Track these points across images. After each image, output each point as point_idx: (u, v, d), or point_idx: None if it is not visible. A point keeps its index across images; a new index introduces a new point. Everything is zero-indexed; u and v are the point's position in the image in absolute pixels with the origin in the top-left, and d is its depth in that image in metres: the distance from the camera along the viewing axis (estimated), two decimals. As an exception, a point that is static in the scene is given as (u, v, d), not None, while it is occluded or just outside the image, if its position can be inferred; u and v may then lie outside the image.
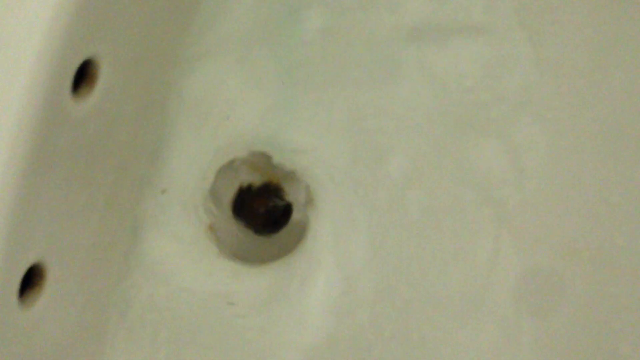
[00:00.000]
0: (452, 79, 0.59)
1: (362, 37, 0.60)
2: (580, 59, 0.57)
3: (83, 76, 0.46)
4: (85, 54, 0.44)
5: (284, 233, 0.64)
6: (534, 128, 0.58)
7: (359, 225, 0.60)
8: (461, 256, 0.59)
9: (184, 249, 0.61)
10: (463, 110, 0.59)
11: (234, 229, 0.63)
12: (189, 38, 0.58)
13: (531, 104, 0.58)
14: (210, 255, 0.62)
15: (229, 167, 0.62)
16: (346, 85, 0.61)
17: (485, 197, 0.59)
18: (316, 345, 0.60)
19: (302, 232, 0.62)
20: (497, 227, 0.58)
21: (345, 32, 0.61)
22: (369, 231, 0.60)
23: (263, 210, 0.64)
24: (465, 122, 0.59)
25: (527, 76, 0.58)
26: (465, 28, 0.59)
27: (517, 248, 0.58)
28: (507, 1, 0.58)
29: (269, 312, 0.60)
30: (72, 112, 0.45)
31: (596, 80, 0.57)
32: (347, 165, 0.61)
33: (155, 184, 0.60)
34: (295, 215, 0.63)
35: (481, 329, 0.59)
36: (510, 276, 0.58)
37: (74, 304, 0.53)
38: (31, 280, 0.48)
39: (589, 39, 0.57)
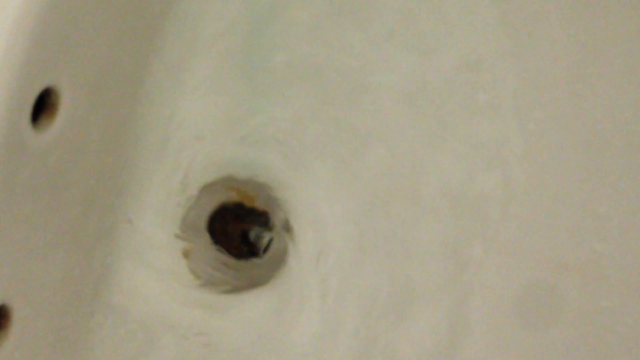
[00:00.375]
0: (423, 97, 0.58)
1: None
2: (561, 71, 0.56)
3: (42, 106, 0.44)
4: (44, 82, 0.42)
5: (262, 258, 0.62)
6: (518, 140, 0.57)
7: (341, 246, 0.59)
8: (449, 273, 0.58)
9: (157, 279, 0.59)
10: (440, 123, 0.58)
11: (211, 255, 0.62)
12: (153, 59, 0.56)
13: (514, 117, 0.57)
14: (186, 285, 0.60)
15: (202, 191, 0.61)
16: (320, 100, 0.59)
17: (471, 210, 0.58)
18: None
19: (280, 257, 0.60)
20: (484, 241, 0.57)
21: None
22: (351, 254, 0.59)
23: (238, 234, 0.62)
24: (445, 133, 0.58)
25: None
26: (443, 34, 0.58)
27: (505, 263, 0.57)
28: (489, 8, 0.57)
29: (247, 353, 0.59)
30: (33, 144, 0.43)
31: (578, 91, 0.56)
32: (324, 181, 0.59)
33: (123, 214, 0.58)
34: (274, 240, 0.62)
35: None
36: (501, 291, 0.57)
37: (45, 343, 0.51)
38: (-5, 324, 0.45)
39: (570, 51, 0.57)
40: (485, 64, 0.57)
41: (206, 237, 0.62)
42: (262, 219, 0.62)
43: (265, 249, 0.62)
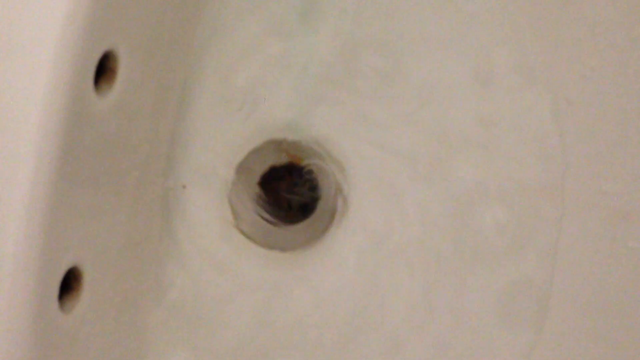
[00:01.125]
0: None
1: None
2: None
3: (102, 70, 0.45)
4: (105, 46, 0.43)
5: (311, 221, 0.63)
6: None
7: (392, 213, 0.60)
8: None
9: (211, 241, 0.60)
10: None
11: (260, 218, 0.63)
12: (202, 24, 0.57)
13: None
14: (237, 246, 0.61)
15: (252, 154, 0.61)
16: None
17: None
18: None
19: (330, 219, 0.61)
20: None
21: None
22: (400, 219, 0.60)
23: (288, 197, 0.63)
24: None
25: None
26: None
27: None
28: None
29: (293, 295, 0.60)
30: (95, 108, 0.44)
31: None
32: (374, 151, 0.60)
33: (177, 179, 0.60)
34: (324, 202, 0.63)
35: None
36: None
37: (111, 305, 0.52)
38: (68, 284, 0.47)
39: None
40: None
41: (256, 199, 0.63)
42: (310, 181, 0.63)
43: (306, 212, 0.63)
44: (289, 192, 0.63)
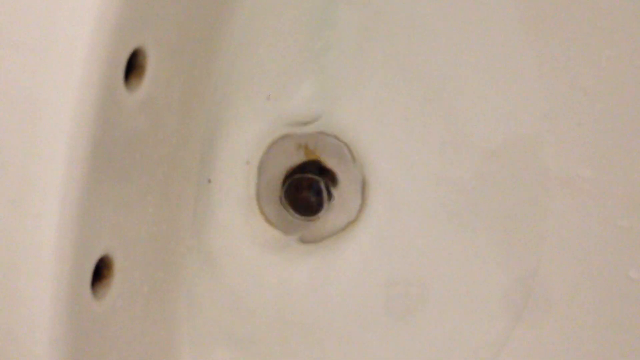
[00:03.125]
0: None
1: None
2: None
3: (132, 67, 0.47)
4: (135, 43, 0.45)
5: (332, 214, 0.64)
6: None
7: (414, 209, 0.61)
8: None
9: (238, 235, 0.62)
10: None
11: (285, 211, 0.64)
12: (229, 23, 0.58)
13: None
14: (262, 240, 0.62)
15: (276, 148, 0.63)
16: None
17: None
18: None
19: (351, 214, 0.63)
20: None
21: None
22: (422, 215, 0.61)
23: (309, 194, 0.64)
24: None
25: None
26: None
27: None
28: None
29: (328, 289, 0.61)
30: (126, 104, 0.46)
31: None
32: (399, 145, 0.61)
33: (203, 173, 0.61)
34: (344, 196, 0.64)
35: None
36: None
37: (140, 294, 0.54)
38: (100, 272, 0.48)
39: None
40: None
41: (279, 193, 0.64)
42: (329, 177, 0.64)
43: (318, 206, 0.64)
44: (311, 187, 0.64)
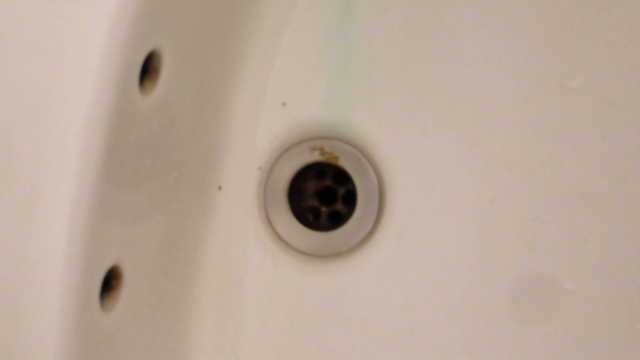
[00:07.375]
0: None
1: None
2: None
3: (146, 70, 0.45)
4: (150, 45, 0.43)
5: (346, 228, 0.63)
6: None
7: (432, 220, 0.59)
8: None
9: (246, 245, 0.60)
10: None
11: (295, 222, 0.62)
12: (245, 28, 0.56)
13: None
14: (271, 250, 0.61)
15: (287, 157, 0.61)
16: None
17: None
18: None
19: (366, 227, 0.61)
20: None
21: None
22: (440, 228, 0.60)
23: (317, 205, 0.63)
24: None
25: None
26: None
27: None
28: None
29: (344, 304, 0.60)
30: (140, 108, 0.44)
31: None
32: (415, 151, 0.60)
33: (213, 180, 0.60)
34: (361, 206, 0.62)
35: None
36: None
37: (148, 305, 0.52)
38: (109, 284, 0.47)
39: None
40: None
41: (292, 203, 0.62)
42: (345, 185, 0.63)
43: (337, 220, 0.62)
44: (324, 200, 0.63)
